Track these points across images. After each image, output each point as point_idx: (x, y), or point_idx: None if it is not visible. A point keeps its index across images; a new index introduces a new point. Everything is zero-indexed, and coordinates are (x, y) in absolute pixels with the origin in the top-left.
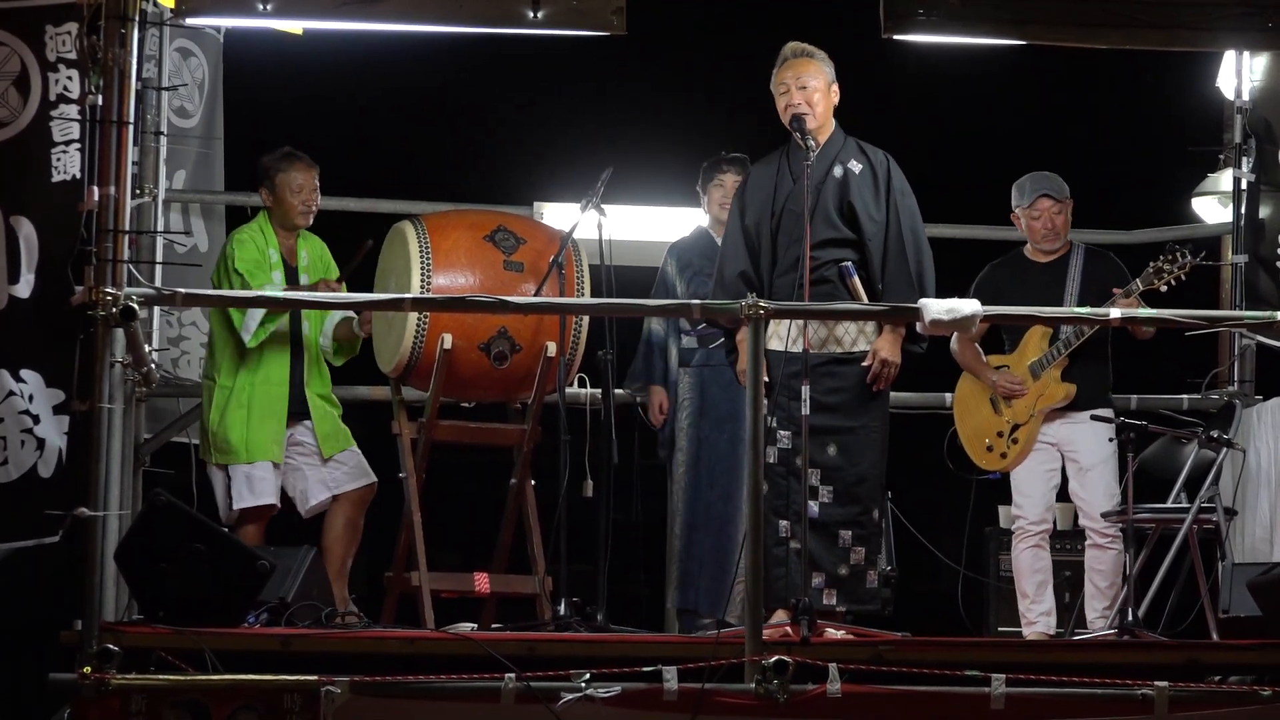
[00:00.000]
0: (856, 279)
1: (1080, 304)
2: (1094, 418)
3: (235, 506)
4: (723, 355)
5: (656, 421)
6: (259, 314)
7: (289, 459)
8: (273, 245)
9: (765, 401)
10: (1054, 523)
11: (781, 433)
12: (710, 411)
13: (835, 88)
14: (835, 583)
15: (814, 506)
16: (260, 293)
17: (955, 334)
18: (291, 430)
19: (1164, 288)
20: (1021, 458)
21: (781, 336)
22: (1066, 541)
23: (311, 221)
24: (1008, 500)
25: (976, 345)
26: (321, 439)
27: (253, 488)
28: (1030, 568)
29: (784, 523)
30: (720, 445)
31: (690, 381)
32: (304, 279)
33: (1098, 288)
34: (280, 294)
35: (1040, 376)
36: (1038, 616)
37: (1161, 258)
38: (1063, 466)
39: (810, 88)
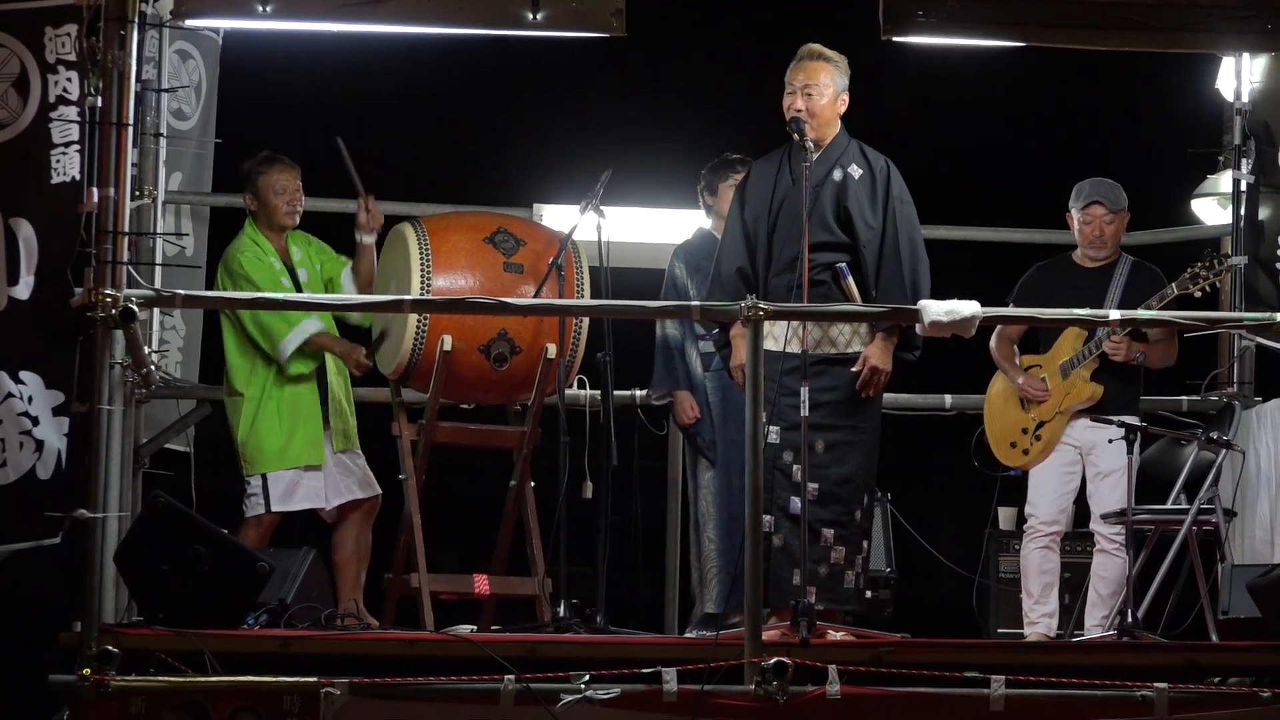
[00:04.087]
0: (851, 280)
1: None
2: (1122, 424)
3: (273, 509)
4: None
5: (686, 423)
6: (299, 340)
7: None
8: (271, 253)
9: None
10: (1067, 525)
11: (771, 428)
12: (734, 415)
13: (844, 97)
14: (814, 580)
15: (796, 503)
16: (260, 294)
17: (995, 331)
18: (325, 433)
19: (1199, 293)
20: (1043, 456)
21: (776, 337)
22: (1066, 543)
23: (297, 222)
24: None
25: (1013, 344)
26: (334, 433)
27: (287, 493)
28: (1038, 568)
29: (768, 518)
30: None
31: (712, 386)
32: (303, 274)
33: (1140, 299)
34: (282, 295)
35: (1070, 375)
36: (1040, 617)
37: (1199, 263)
38: (1083, 471)
39: (815, 94)
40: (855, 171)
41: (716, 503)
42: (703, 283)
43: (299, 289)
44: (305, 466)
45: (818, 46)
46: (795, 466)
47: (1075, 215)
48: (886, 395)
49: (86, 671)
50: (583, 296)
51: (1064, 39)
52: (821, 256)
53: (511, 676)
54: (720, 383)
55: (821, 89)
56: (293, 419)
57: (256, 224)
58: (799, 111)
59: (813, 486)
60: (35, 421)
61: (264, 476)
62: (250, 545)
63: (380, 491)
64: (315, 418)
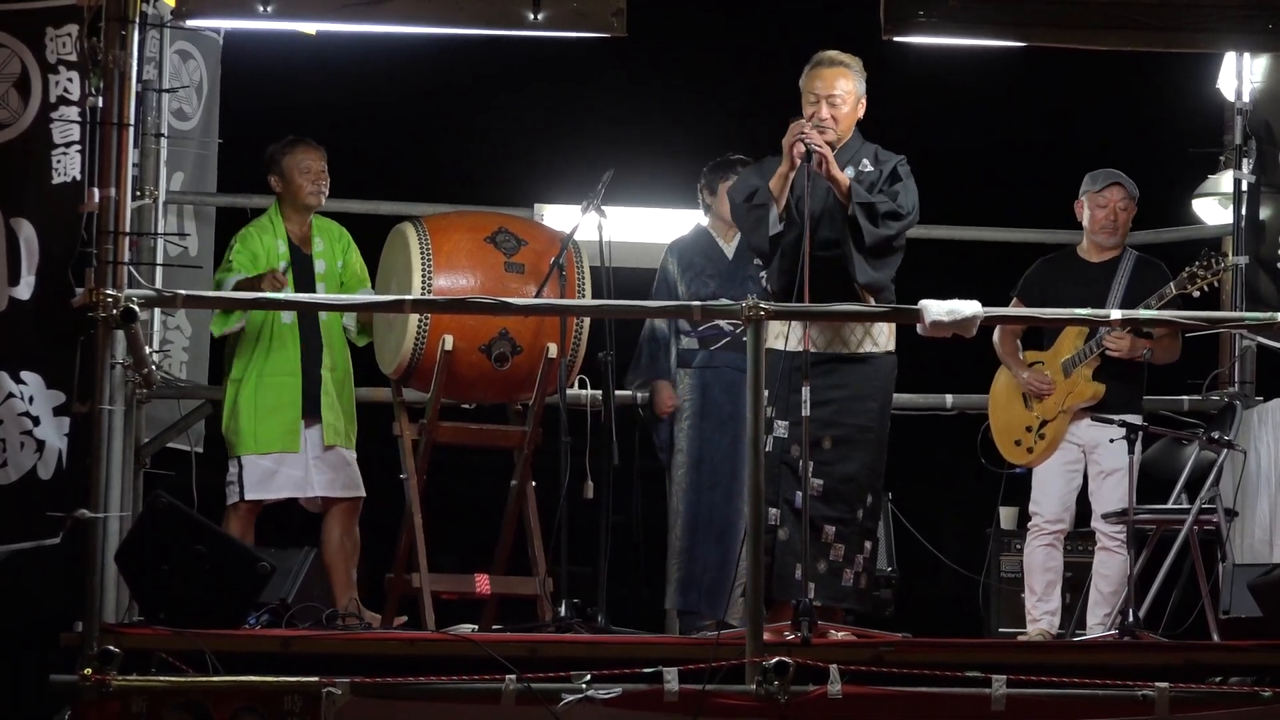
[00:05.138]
0: None
1: (1123, 309)
2: (1123, 424)
3: (247, 496)
4: (725, 356)
5: (665, 412)
6: (230, 284)
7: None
8: (281, 236)
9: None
10: (1070, 524)
11: (779, 423)
12: (712, 413)
13: (863, 102)
14: (813, 576)
15: (800, 497)
16: (261, 295)
17: (998, 327)
18: (311, 426)
19: (1197, 293)
20: (1047, 454)
21: (785, 336)
22: (1068, 543)
23: (323, 202)
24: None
25: (1016, 339)
26: (325, 426)
27: (263, 480)
28: (1042, 566)
29: (774, 511)
30: (722, 447)
31: (691, 383)
32: (320, 265)
33: (1145, 295)
34: (279, 295)
35: (1071, 374)
36: (1042, 614)
37: (1197, 263)
38: (1085, 468)
39: (838, 103)
40: (866, 166)
41: (685, 500)
42: (693, 280)
43: (307, 275)
44: (281, 453)
45: (834, 52)
46: (801, 462)
47: (1089, 200)
48: None
49: (87, 671)
50: (584, 296)
51: (1065, 39)
52: (834, 254)
53: (513, 676)
54: (699, 380)
55: (844, 96)
56: (271, 405)
57: (281, 206)
58: (823, 120)
59: (818, 483)
60: (36, 421)
61: (240, 463)
62: (234, 536)
63: (364, 495)
64: (295, 408)
